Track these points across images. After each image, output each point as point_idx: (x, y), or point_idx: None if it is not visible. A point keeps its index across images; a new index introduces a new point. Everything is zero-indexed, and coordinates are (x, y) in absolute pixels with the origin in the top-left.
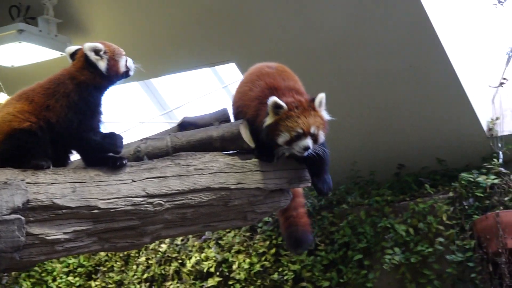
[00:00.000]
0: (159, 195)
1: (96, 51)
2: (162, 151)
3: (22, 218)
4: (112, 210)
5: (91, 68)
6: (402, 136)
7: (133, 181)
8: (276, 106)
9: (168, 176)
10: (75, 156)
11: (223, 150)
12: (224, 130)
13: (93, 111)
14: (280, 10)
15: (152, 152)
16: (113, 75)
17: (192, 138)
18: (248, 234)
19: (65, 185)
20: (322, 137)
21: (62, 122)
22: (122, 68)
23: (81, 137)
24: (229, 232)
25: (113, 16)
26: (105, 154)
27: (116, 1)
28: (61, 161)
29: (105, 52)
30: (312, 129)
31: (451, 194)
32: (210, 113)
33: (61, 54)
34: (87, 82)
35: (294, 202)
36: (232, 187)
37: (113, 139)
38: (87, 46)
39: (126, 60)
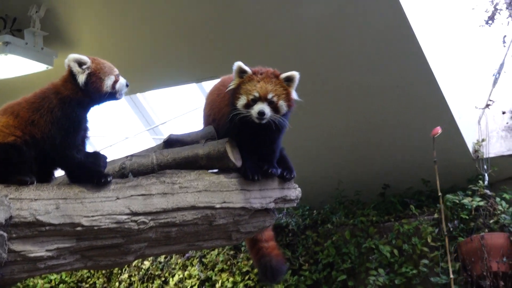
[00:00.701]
0: (143, 213)
1: (80, 64)
2: (147, 168)
3: (5, 234)
4: (95, 228)
5: (73, 81)
6: (388, 156)
7: (118, 198)
8: (241, 71)
9: (153, 194)
10: (59, 172)
11: (209, 168)
12: (210, 148)
13: (76, 128)
14: (266, 27)
15: (137, 169)
16: (94, 92)
17: (178, 156)
18: (232, 252)
19: (48, 201)
20: (283, 107)
21: (46, 138)
22: (107, 88)
23: (64, 155)
24: (212, 250)
25: (100, 30)
26: (87, 172)
27: (103, 16)
28: (46, 177)
29: (88, 67)
30: (270, 95)
31: (436, 215)
32: (196, 131)
33: (47, 67)
34: (70, 97)
35: (264, 235)
36: (217, 206)
37: (96, 159)
38: (72, 56)
39: (115, 82)
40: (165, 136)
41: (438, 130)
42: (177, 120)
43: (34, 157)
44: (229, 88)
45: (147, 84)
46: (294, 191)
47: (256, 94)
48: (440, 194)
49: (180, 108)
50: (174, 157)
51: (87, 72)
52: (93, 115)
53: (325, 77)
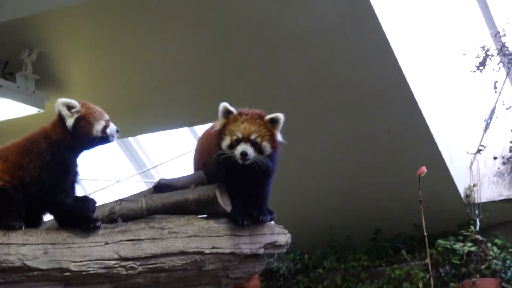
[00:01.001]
0: (132, 258)
1: (69, 107)
2: (136, 213)
3: None
4: (84, 273)
5: (63, 125)
6: (379, 201)
7: (106, 243)
8: (227, 111)
9: (142, 239)
10: (48, 216)
11: (199, 213)
12: (200, 193)
13: (65, 172)
14: (261, 71)
15: (127, 214)
16: (83, 137)
17: (167, 201)
18: None
19: (37, 246)
20: (267, 148)
21: (35, 182)
22: (96, 133)
23: (53, 199)
24: None
25: (92, 74)
26: (76, 217)
27: (95, 60)
28: (34, 221)
29: (77, 111)
30: (253, 136)
31: (427, 260)
32: (186, 176)
33: (39, 111)
34: (59, 141)
35: (251, 283)
36: (207, 251)
37: (86, 203)
38: (60, 100)
39: (105, 126)
40: (157, 179)
41: (424, 169)
42: (169, 164)
43: (23, 201)
44: (215, 129)
45: (139, 128)
46: (284, 237)
47: (239, 135)
48: (425, 234)
49: (172, 152)
50: (163, 202)
51: (76, 116)
52: (85, 158)
53: (318, 123)
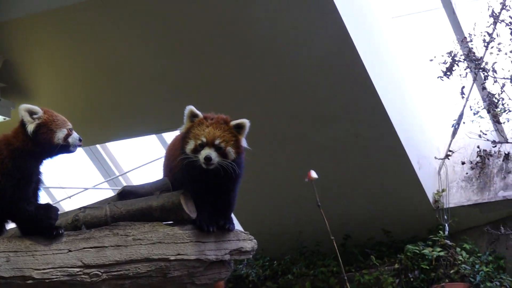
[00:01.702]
0: (96, 265)
1: (31, 113)
2: (100, 220)
3: None
4: (47, 281)
5: (25, 131)
6: (348, 206)
7: (70, 251)
8: (192, 115)
9: (106, 246)
10: (11, 225)
11: (163, 220)
12: (164, 199)
13: (27, 180)
14: (228, 78)
15: (91, 221)
16: (44, 144)
17: (132, 208)
18: None
19: None
20: (231, 153)
21: None
22: (58, 141)
23: (15, 207)
24: None
25: (58, 82)
26: (38, 225)
27: (61, 67)
28: None
29: (39, 117)
30: (217, 141)
31: (396, 265)
32: (151, 182)
33: (4, 119)
34: (20, 148)
35: None
36: (172, 258)
37: (48, 211)
38: (23, 106)
39: (68, 135)
40: None
41: (312, 174)
42: (137, 171)
43: None
44: (179, 132)
45: (106, 136)
46: (250, 243)
47: (204, 139)
48: (332, 238)
49: (140, 159)
50: (127, 209)
51: (37, 122)
52: (52, 166)
53: (285, 129)
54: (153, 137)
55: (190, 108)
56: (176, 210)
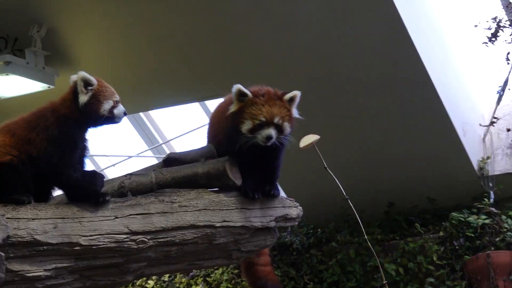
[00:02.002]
0: (142, 232)
1: (86, 84)
2: (146, 187)
3: (2, 254)
4: (94, 247)
5: (74, 99)
6: (392, 174)
7: (116, 217)
8: (241, 94)
9: (152, 213)
10: (58, 191)
11: (209, 187)
12: (209, 166)
13: (73, 147)
14: (273, 46)
15: (136, 188)
16: (91, 114)
17: (177, 175)
18: (236, 271)
19: (46, 221)
20: (287, 129)
21: (42, 157)
22: (104, 112)
23: (61, 173)
24: (217, 269)
25: (102, 49)
26: (84, 192)
27: (105, 35)
28: (43, 196)
29: (92, 89)
30: (276, 119)
31: (441, 233)
32: (196, 149)
33: (49, 87)
34: (67, 115)
35: (261, 259)
36: (217, 225)
37: (93, 178)
38: (82, 74)
39: (113, 107)
40: None
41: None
42: (180, 139)
43: (32, 176)
44: (230, 112)
45: (149, 103)
46: (295, 210)
47: (263, 119)
48: (347, 197)
49: (183, 127)
50: (173, 176)
51: (90, 94)
52: (96, 134)
53: (329, 97)
54: (196, 105)
55: (238, 87)
56: (222, 177)
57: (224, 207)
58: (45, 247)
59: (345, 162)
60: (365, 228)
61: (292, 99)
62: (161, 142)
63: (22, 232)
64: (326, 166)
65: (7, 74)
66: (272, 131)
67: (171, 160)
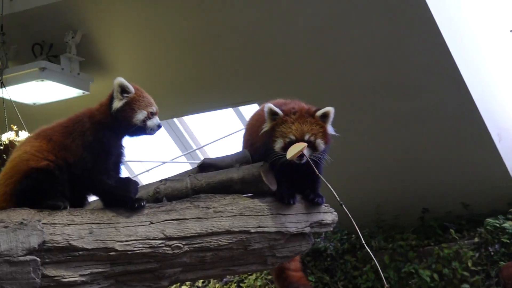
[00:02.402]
0: (177, 237)
1: (123, 90)
2: (181, 193)
3: (38, 259)
4: (129, 253)
5: (110, 105)
6: (427, 180)
7: (152, 223)
8: (272, 113)
9: (187, 219)
10: (93, 197)
11: (244, 193)
12: (244, 172)
13: (107, 153)
14: (304, 51)
15: (171, 194)
16: (123, 121)
17: (212, 180)
18: (269, 277)
19: (82, 226)
20: (321, 145)
21: (78, 162)
22: (136, 121)
23: (95, 179)
24: (250, 274)
25: (136, 54)
26: (118, 198)
27: (139, 40)
28: (79, 202)
29: (128, 96)
30: (307, 136)
31: (476, 239)
32: (231, 155)
33: (83, 93)
34: (102, 121)
35: (292, 265)
36: (252, 230)
37: (128, 185)
38: (120, 80)
39: (147, 118)
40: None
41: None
42: (213, 145)
43: (67, 181)
44: (263, 131)
45: (184, 109)
46: (331, 215)
47: (293, 137)
48: (341, 203)
49: (217, 132)
50: (208, 181)
51: (125, 101)
52: (130, 140)
53: (362, 102)
54: (229, 111)
55: (269, 106)
56: (257, 182)
57: (259, 212)
58: (80, 253)
59: (379, 168)
60: (399, 234)
61: (325, 115)
62: (195, 148)
63: (58, 237)
64: (317, 172)
65: (42, 80)
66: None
67: (206, 166)
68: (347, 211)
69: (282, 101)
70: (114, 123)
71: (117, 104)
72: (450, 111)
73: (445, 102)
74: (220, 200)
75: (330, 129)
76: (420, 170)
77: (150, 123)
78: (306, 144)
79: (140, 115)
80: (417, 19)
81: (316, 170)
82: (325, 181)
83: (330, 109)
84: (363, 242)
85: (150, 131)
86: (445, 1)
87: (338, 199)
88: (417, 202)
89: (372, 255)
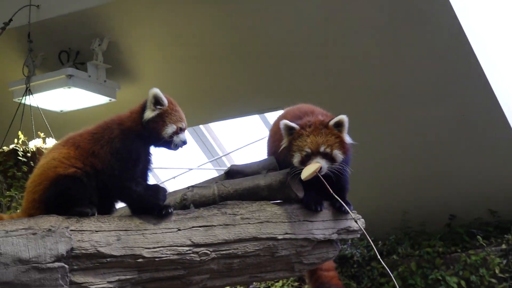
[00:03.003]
0: (205, 244)
1: (157, 102)
2: (208, 200)
3: (66, 266)
4: (157, 259)
5: (141, 113)
6: (454, 186)
7: (179, 229)
8: (289, 128)
9: (215, 225)
10: (121, 203)
11: (271, 199)
12: (271, 178)
13: (136, 160)
14: (329, 57)
15: (199, 200)
16: (152, 132)
17: (239, 187)
18: (296, 284)
19: (110, 233)
20: (339, 156)
21: (106, 169)
22: (165, 134)
23: (123, 186)
24: (277, 281)
25: (163, 62)
26: (146, 205)
27: (166, 47)
28: (107, 208)
29: (161, 108)
30: (322, 148)
31: (504, 246)
32: (258, 161)
33: (110, 100)
34: (131, 129)
35: (324, 264)
36: (280, 237)
37: (156, 192)
38: (155, 91)
39: (175, 133)
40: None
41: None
42: (240, 151)
43: (95, 188)
44: (282, 148)
45: (210, 116)
46: (358, 222)
47: (308, 150)
48: None
49: (243, 139)
50: (235, 188)
51: (157, 112)
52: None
53: (389, 108)
54: (255, 117)
55: (285, 122)
56: (283, 189)
57: (286, 219)
58: (108, 259)
59: (406, 175)
60: (426, 240)
61: (339, 124)
62: (221, 154)
63: (86, 244)
64: (332, 192)
65: (69, 88)
66: (319, 161)
67: (233, 172)
68: (362, 227)
69: (302, 109)
70: (143, 132)
71: (149, 114)
72: (478, 118)
73: (473, 110)
74: (247, 206)
75: (347, 138)
76: (447, 176)
77: (176, 138)
78: (320, 165)
79: (170, 129)
80: (443, 25)
81: (329, 187)
82: (337, 197)
83: (343, 117)
84: (378, 256)
85: (175, 146)
86: (472, 7)
87: (353, 216)
88: (444, 208)
89: (386, 267)
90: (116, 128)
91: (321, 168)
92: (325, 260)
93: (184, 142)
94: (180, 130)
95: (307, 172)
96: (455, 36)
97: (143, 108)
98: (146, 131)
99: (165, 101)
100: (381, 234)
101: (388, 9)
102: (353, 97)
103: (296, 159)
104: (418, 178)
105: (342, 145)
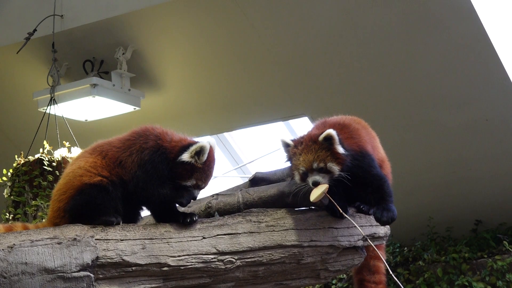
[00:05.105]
0: (230, 252)
1: (198, 153)
2: (233, 207)
3: (92, 275)
4: (182, 268)
5: (182, 148)
6: (479, 191)
7: (204, 237)
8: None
9: (239, 233)
10: (145, 212)
11: (295, 206)
12: (296, 186)
13: (160, 178)
14: (353, 65)
15: (223, 208)
16: (176, 173)
17: (264, 194)
18: None
19: (134, 241)
20: (334, 168)
21: (132, 180)
22: (184, 183)
23: (148, 196)
24: None
25: (186, 70)
26: (171, 204)
27: (189, 56)
28: (132, 217)
29: (196, 161)
30: (315, 165)
31: None
32: (282, 169)
33: (134, 108)
34: (165, 149)
35: (374, 266)
36: (305, 244)
37: (180, 191)
38: (204, 144)
39: (191, 186)
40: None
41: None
42: (264, 158)
43: (121, 197)
44: (287, 166)
45: (234, 123)
46: (383, 228)
47: (303, 169)
48: None
49: (268, 146)
50: (260, 196)
51: (191, 160)
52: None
53: (414, 114)
54: (280, 124)
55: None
56: (308, 196)
57: (311, 226)
58: (133, 268)
59: (431, 180)
60: (452, 246)
61: (328, 139)
62: (245, 162)
63: (111, 253)
64: (341, 211)
65: (94, 97)
66: (316, 177)
67: (258, 180)
68: (371, 243)
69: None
70: (171, 161)
71: (185, 157)
72: (502, 123)
73: (497, 114)
74: (272, 214)
75: (340, 149)
76: (472, 181)
77: (186, 193)
78: (327, 186)
79: (190, 182)
80: (467, 29)
81: (338, 207)
82: (346, 216)
83: (330, 131)
84: (390, 272)
85: (181, 199)
86: (496, 12)
87: (361, 231)
88: (470, 214)
89: (397, 280)
90: (152, 139)
91: (319, 183)
92: (351, 267)
93: (193, 199)
94: (197, 186)
95: (315, 194)
96: (479, 40)
97: (186, 147)
98: (173, 163)
99: (204, 159)
100: (407, 240)
101: (413, 15)
102: (377, 103)
103: (297, 177)
104: (444, 184)
105: (335, 157)
